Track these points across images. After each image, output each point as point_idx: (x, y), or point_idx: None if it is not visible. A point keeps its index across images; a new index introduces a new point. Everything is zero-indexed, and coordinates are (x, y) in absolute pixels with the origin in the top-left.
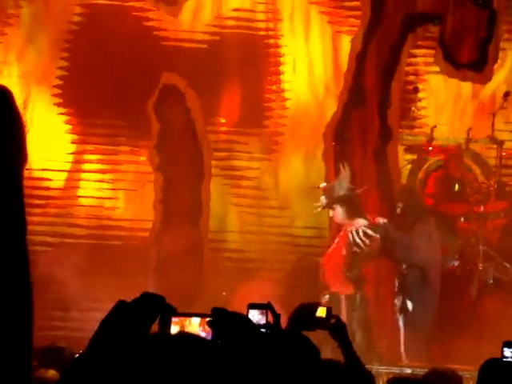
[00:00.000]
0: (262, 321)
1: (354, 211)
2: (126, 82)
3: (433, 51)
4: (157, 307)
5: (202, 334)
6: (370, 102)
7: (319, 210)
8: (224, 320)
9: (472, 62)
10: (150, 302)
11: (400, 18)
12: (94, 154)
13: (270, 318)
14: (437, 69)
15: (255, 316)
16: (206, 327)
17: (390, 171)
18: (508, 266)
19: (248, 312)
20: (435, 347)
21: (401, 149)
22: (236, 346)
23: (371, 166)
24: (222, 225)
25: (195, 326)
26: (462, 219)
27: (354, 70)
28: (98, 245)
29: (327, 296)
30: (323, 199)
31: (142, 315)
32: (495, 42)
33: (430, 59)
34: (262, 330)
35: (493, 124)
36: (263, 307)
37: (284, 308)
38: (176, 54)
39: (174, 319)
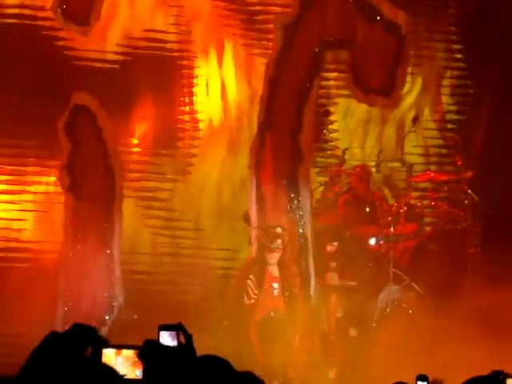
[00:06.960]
0: (174, 342)
1: None
2: (35, 101)
3: (344, 75)
4: (88, 338)
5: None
6: (283, 124)
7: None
8: (155, 352)
9: (381, 87)
10: (82, 333)
11: (312, 42)
12: (1, 174)
13: (182, 339)
14: (348, 92)
15: (166, 337)
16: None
17: (301, 194)
18: (417, 287)
19: (159, 334)
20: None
21: (313, 171)
22: (167, 377)
23: (283, 188)
24: (134, 246)
25: (111, 356)
26: (373, 241)
27: (267, 92)
28: (5, 267)
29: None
30: None
31: (73, 346)
32: (403, 67)
33: (342, 83)
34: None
35: (402, 147)
36: (174, 328)
37: (195, 330)
38: (87, 73)
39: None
